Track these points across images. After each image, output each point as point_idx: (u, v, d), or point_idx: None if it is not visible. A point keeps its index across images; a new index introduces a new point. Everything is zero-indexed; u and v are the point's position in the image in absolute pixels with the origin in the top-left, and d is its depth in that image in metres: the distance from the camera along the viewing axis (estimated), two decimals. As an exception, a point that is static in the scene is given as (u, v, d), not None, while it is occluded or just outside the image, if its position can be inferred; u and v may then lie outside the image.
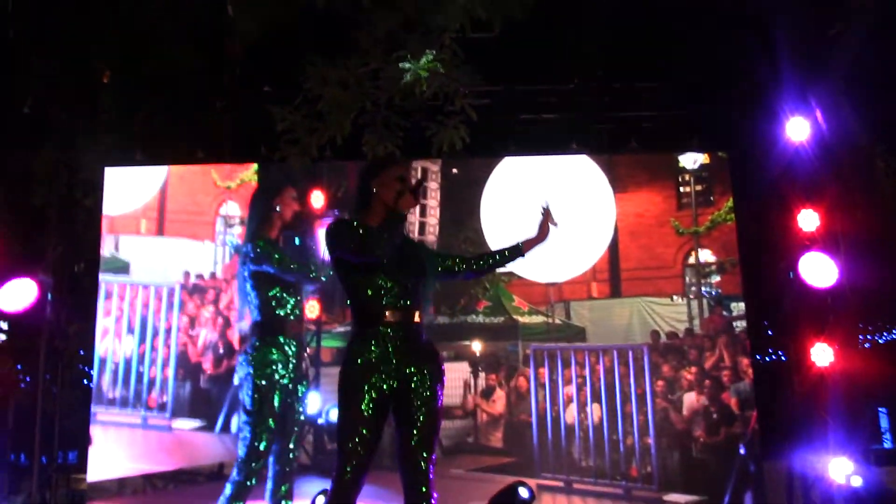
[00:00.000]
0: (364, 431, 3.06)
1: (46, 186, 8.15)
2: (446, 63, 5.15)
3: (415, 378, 3.16)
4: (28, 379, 7.97)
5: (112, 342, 7.64)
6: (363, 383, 3.10)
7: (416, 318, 3.24)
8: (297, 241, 4.20)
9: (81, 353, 9.87)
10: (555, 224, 3.48)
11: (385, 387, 3.11)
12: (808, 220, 7.15)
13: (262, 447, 3.84)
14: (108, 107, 9.23)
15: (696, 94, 7.90)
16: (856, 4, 6.72)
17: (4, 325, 7.53)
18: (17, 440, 7.38)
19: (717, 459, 7.13)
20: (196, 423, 7.38)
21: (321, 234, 3.73)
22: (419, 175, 7.47)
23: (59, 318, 7.64)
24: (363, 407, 3.08)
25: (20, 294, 6.85)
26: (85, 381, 10.06)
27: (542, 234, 3.52)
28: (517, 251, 3.49)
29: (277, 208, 4.15)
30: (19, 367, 7.62)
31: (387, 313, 3.18)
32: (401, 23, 5.37)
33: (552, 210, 3.51)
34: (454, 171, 7.88)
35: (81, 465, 7.81)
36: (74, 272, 8.11)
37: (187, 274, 7.77)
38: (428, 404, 3.16)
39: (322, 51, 5.57)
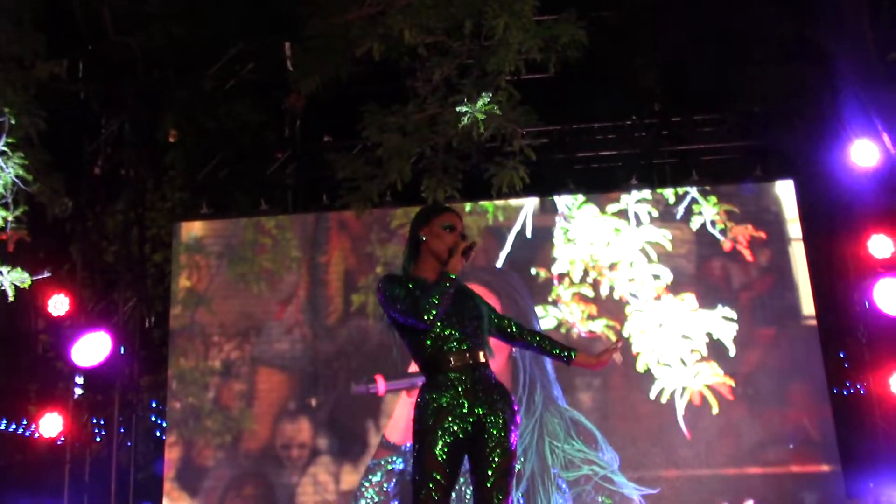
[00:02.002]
0: (438, 477, 3.02)
1: (118, 243, 8.41)
2: (503, 105, 5.20)
3: (488, 419, 3.12)
4: (103, 432, 8.14)
5: None
6: (436, 428, 3.07)
7: (482, 359, 3.20)
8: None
9: (153, 404, 10.08)
10: (617, 361, 3.43)
11: (459, 431, 3.08)
12: (881, 245, 6.96)
13: None
14: (175, 164, 9.53)
15: (757, 123, 7.82)
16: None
17: (80, 380, 7.71)
18: (94, 493, 7.50)
19: None
20: None
21: None
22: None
23: (132, 372, 7.81)
24: (437, 452, 3.04)
25: (95, 349, 7.03)
26: (157, 433, 10.24)
27: (600, 362, 3.43)
28: (567, 357, 3.39)
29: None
30: (94, 419, 7.78)
31: (451, 359, 3.15)
32: (456, 68, 5.44)
33: (620, 348, 3.45)
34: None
35: (156, 516, 7.90)
36: (145, 326, 8.29)
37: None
38: (502, 444, 3.11)
39: (380, 99, 5.67)
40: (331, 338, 7.55)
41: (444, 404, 3.11)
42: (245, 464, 7.34)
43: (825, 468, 6.97)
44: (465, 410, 3.11)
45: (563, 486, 7.02)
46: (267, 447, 7.35)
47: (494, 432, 3.12)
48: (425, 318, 3.07)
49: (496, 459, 3.10)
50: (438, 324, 3.14)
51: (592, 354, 3.46)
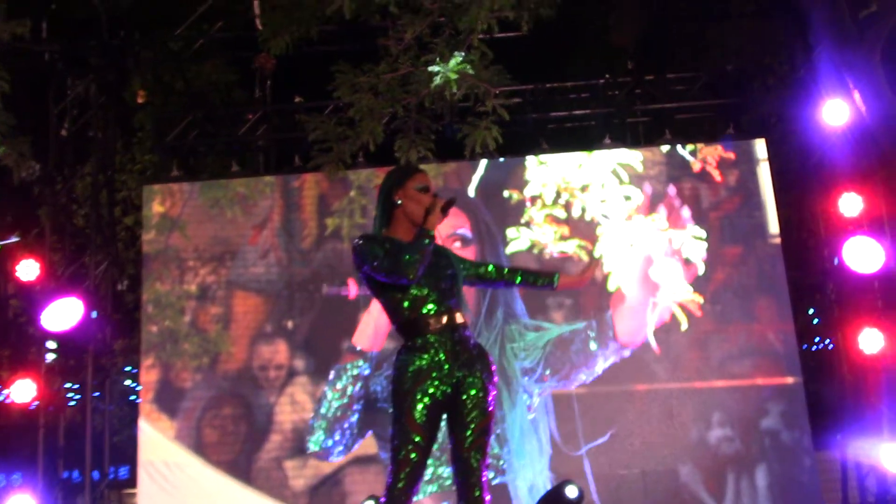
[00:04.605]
0: (417, 439, 3.04)
1: (87, 207, 8.30)
2: (475, 64, 5.14)
3: (466, 380, 3.14)
4: (77, 397, 8.11)
5: None
6: (415, 390, 3.08)
7: (460, 320, 3.21)
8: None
9: (127, 369, 10.05)
10: (598, 277, 3.47)
11: (438, 393, 3.09)
12: (851, 204, 7.02)
13: None
14: (144, 126, 9.40)
15: (730, 82, 7.82)
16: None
17: (53, 345, 7.65)
18: (69, 457, 7.48)
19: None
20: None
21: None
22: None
23: (105, 336, 7.75)
24: (416, 414, 3.06)
25: (67, 313, 6.95)
26: (132, 397, 10.23)
27: (582, 280, 3.49)
28: (550, 283, 3.44)
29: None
30: (68, 385, 7.74)
31: (430, 321, 3.15)
32: (428, 27, 5.37)
33: (600, 264, 3.50)
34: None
35: (132, 480, 7.91)
36: (117, 290, 8.22)
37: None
38: (480, 405, 3.14)
39: (351, 58, 5.60)
40: (306, 261, 7.64)
41: (424, 366, 3.11)
42: (223, 385, 7.44)
43: (789, 380, 7.19)
44: (444, 372, 3.11)
45: (531, 386, 7.23)
46: (244, 368, 7.46)
47: (473, 393, 3.14)
48: (407, 275, 3.05)
49: (474, 420, 3.13)
50: (415, 285, 3.14)
51: (572, 275, 3.54)
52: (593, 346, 7.23)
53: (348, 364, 7.32)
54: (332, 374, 7.33)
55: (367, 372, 7.28)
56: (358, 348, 7.34)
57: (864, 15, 6.82)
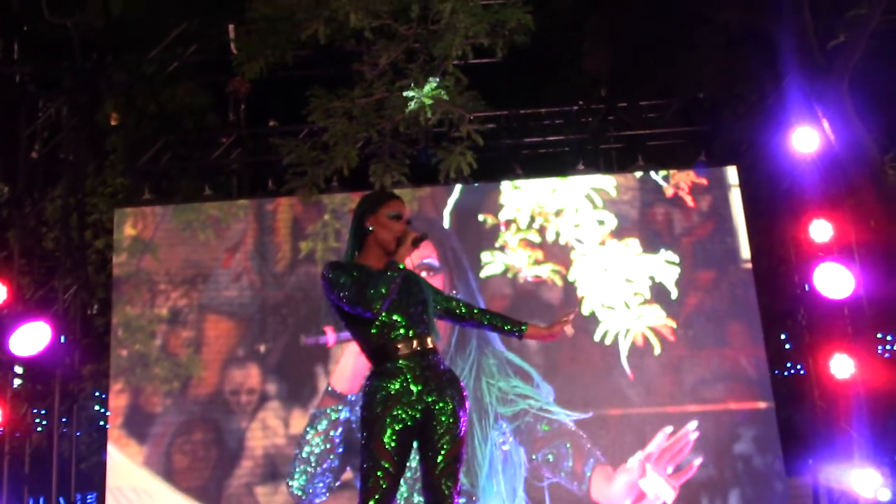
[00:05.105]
0: (386, 465, 3.01)
1: (57, 230, 8.21)
2: (450, 90, 5.18)
3: (437, 405, 3.12)
4: (45, 423, 7.96)
5: None
6: (385, 416, 3.05)
7: (430, 345, 3.19)
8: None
9: (96, 394, 9.90)
10: (569, 333, 3.43)
11: (408, 419, 3.07)
12: (821, 230, 7.10)
13: None
14: (116, 148, 9.33)
15: (702, 110, 7.92)
16: (853, 14, 6.73)
17: (19, 370, 7.52)
18: (34, 484, 7.34)
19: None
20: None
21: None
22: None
23: (73, 360, 7.64)
24: (385, 440, 3.03)
25: (34, 338, 6.84)
26: (101, 423, 10.07)
27: (552, 334, 3.45)
28: (518, 331, 3.41)
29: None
30: (35, 410, 7.60)
31: (399, 346, 3.13)
32: (403, 52, 5.40)
33: (573, 320, 3.45)
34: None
35: (100, 508, 7.78)
36: (87, 314, 8.11)
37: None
38: (451, 431, 3.11)
39: (326, 83, 5.61)
40: (279, 285, 7.58)
41: (393, 391, 3.08)
42: (194, 409, 7.34)
43: (761, 405, 7.20)
44: (414, 398, 3.09)
45: (502, 424, 7.17)
46: (216, 393, 7.37)
47: (444, 419, 3.12)
48: (372, 308, 3.03)
49: (445, 446, 3.10)
50: (385, 311, 3.12)
51: (544, 326, 3.49)
52: (568, 461, 7.16)
53: (328, 408, 7.22)
54: (311, 417, 7.23)
55: (346, 415, 7.20)
56: (337, 391, 7.26)
57: (833, 45, 6.95)
